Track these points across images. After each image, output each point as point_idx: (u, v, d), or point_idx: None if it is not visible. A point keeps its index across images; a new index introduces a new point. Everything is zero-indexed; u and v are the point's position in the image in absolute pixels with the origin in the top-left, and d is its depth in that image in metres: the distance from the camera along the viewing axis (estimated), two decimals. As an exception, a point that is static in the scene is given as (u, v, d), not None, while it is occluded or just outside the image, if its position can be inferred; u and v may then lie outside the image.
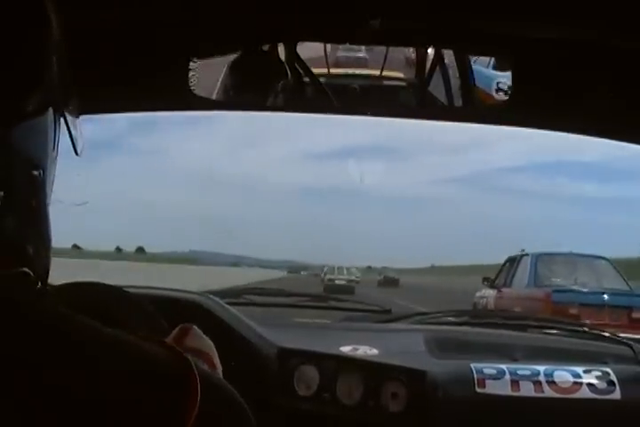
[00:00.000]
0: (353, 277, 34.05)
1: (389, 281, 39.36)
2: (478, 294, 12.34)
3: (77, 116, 0.74)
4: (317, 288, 26.68)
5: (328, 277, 32.84)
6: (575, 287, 9.56)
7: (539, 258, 10.55)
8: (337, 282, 30.63)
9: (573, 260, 10.76)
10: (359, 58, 3.71)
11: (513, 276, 11.00)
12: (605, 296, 9.22)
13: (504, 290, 11.02)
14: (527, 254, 10.96)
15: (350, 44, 1.77)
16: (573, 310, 8.84)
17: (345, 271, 35.53)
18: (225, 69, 1.82)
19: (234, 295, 2.37)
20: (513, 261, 11.40)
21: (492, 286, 11.73)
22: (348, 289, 27.16)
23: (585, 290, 9.47)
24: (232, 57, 1.75)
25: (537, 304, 9.25)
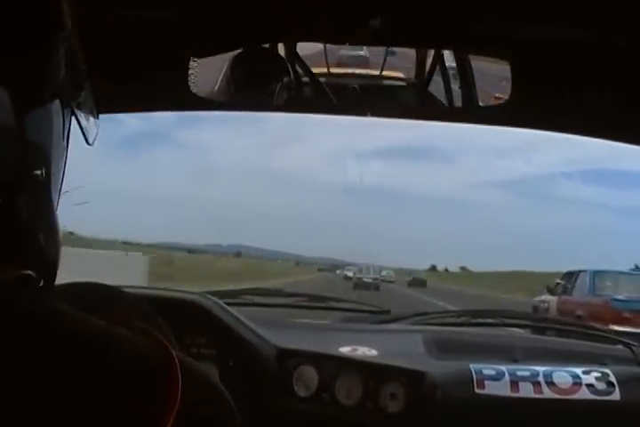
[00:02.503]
0: (378, 276, 38.31)
1: (418, 282, 42.84)
2: (538, 299, 14.86)
3: (91, 110, 0.75)
4: (347, 285, 30.43)
5: (357, 275, 37.02)
6: (627, 298, 11.88)
7: (596, 274, 13.15)
8: (364, 280, 34.14)
9: (619, 276, 13.45)
10: (360, 57, 3.72)
11: (573, 286, 13.44)
12: None
13: (564, 297, 13.39)
14: (585, 270, 13.51)
15: (350, 44, 1.76)
16: (627, 315, 10.95)
17: (371, 271, 39.89)
18: (225, 69, 1.82)
19: (233, 296, 2.36)
20: (571, 275, 13.93)
21: (551, 293, 14.17)
22: (374, 286, 31.10)
23: (634, 299, 11.75)
24: (232, 57, 1.75)
25: (597, 309, 11.46)
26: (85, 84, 0.73)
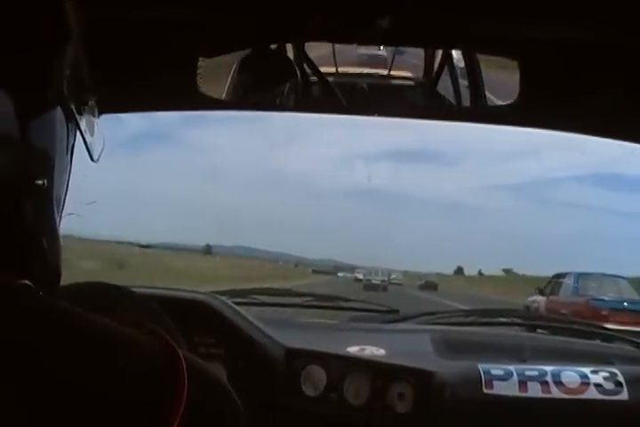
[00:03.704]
0: (386, 279, 39.83)
1: (430, 285, 42.69)
2: (530, 299, 16.20)
3: (96, 117, 0.75)
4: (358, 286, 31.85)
5: (366, 277, 38.36)
6: (606, 297, 13.59)
7: (579, 276, 14.99)
8: (373, 281, 35.74)
9: (602, 278, 15.20)
10: (379, 56, 3.73)
11: (559, 287, 15.23)
12: (625, 304, 13.23)
13: (552, 297, 14.94)
14: (570, 273, 15.38)
15: (358, 44, 1.76)
16: (604, 312, 12.45)
17: (379, 273, 41.06)
18: (233, 69, 1.82)
19: (241, 295, 2.37)
20: (558, 277, 15.74)
21: (541, 294, 15.69)
22: (382, 287, 32.88)
23: (612, 299, 13.50)
24: (240, 57, 1.75)
25: (579, 308, 12.91)
26: (90, 99, 0.73)
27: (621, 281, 15.41)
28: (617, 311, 12.69)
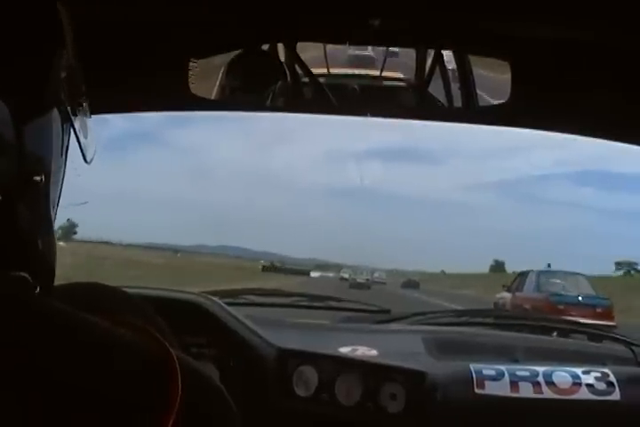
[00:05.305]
0: (369, 277, 42.51)
1: (412, 284, 44.96)
2: (498, 296, 18.06)
3: (88, 118, 0.76)
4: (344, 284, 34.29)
5: (352, 276, 40.93)
6: (563, 293, 15.31)
7: (540, 273, 16.70)
8: (358, 280, 38.04)
9: (563, 275, 16.83)
10: (366, 56, 3.73)
11: (523, 284, 16.68)
12: (580, 298, 15.02)
13: (517, 294, 16.54)
14: (533, 270, 17.01)
15: (350, 44, 1.76)
16: (561, 307, 14.13)
17: (364, 273, 44.12)
18: (224, 69, 1.82)
19: (232, 295, 2.36)
20: (523, 275, 17.40)
21: (508, 291, 17.35)
22: (366, 286, 35.33)
23: (569, 294, 15.19)
24: (231, 57, 1.75)
25: (540, 303, 14.39)
26: (84, 101, 0.74)
27: (580, 278, 17.03)
28: (572, 306, 14.27)
